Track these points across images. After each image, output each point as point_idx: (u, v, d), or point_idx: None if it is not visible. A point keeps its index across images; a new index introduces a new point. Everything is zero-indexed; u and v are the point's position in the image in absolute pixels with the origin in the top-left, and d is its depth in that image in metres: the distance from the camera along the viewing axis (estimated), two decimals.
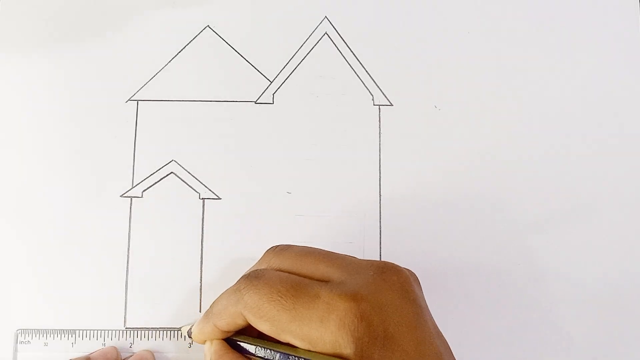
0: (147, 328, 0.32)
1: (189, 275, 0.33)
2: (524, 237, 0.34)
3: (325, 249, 0.27)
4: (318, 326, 0.23)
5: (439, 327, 0.25)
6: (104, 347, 0.32)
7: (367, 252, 0.33)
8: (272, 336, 0.24)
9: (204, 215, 0.34)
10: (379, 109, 0.36)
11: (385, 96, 0.36)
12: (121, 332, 0.32)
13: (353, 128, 0.35)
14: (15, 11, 0.36)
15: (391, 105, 0.36)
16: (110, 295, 0.33)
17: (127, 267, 0.33)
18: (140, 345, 0.32)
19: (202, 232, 0.34)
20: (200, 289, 0.33)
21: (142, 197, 0.34)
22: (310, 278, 0.25)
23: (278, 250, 0.28)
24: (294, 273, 0.25)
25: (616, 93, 0.36)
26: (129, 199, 0.34)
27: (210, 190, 0.34)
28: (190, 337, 0.29)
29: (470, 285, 0.33)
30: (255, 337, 0.26)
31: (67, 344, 0.32)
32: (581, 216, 0.34)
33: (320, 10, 0.37)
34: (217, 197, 0.34)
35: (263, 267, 0.27)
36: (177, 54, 0.36)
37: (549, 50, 0.36)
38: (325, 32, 0.36)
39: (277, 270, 0.26)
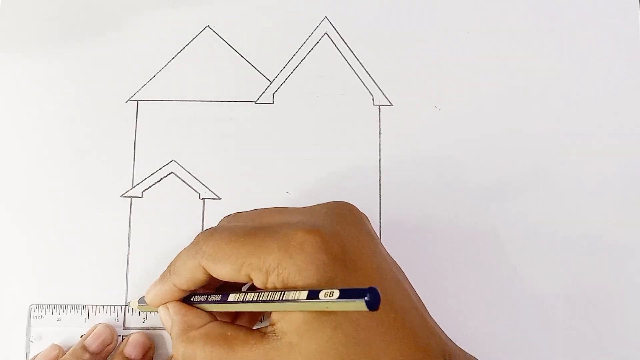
0: (146, 328, 0.32)
1: None
2: (526, 238, 0.34)
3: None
4: (277, 253, 0.23)
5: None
6: (97, 325, 0.32)
7: None
8: (232, 280, 0.25)
9: (204, 215, 0.34)
10: (379, 109, 0.36)
11: (385, 96, 0.36)
12: (134, 309, 0.32)
13: (353, 128, 0.35)
14: (16, 11, 0.36)
15: (391, 105, 0.36)
16: (110, 296, 0.33)
17: (127, 267, 0.33)
18: None
19: None
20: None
21: (142, 197, 0.34)
22: None
23: (232, 215, 0.29)
24: None
25: (616, 93, 0.36)
26: (129, 199, 0.34)
27: (210, 190, 0.34)
28: (139, 309, 0.29)
29: (471, 285, 0.33)
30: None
31: (80, 319, 0.32)
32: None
33: (320, 10, 0.37)
34: (217, 197, 0.34)
35: None
36: (177, 54, 0.36)
37: (549, 50, 0.36)
38: (325, 32, 0.36)
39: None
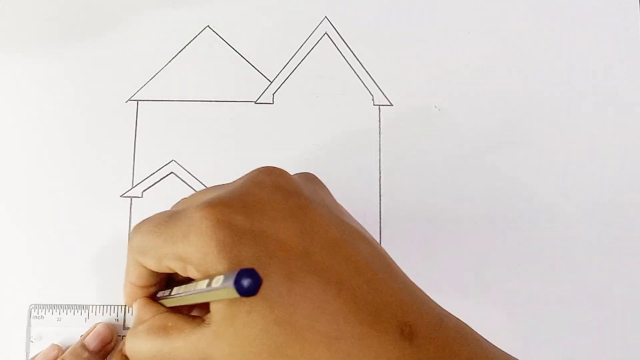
0: None
1: None
2: (526, 235, 0.34)
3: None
4: (182, 241, 0.22)
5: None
6: (96, 325, 0.31)
7: None
8: (158, 270, 0.24)
9: None
10: (379, 109, 0.36)
11: (385, 96, 0.36)
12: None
13: (353, 128, 0.35)
14: (16, 11, 0.36)
15: (391, 105, 0.36)
16: (110, 296, 0.33)
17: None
18: None
19: None
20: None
21: (142, 197, 0.34)
22: None
23: (177, 202, 0.28)
24: None
25: (616, 93, 0.36)
26: (129, 199, 0.34)
27: None
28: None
29: (471, 284, 0.33)
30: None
31: (80, 319, 0.32)
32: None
33: (320, 10, 0.37)
34: None
35: None
36: (177, 54, 0.36)
37: (549, 50, 0.36)
38: (325, 32, 0.36)
39: None
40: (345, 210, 0.25)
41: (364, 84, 0.36)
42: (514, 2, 0.37)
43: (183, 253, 0.22)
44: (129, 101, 0.35)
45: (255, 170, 0.24)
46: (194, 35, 0.36)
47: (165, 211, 0.25)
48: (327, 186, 0.26)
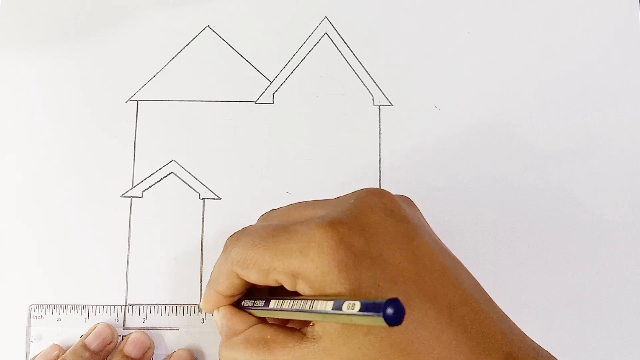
0: (145, 328, 0.32)
1: (189, 275, 0.33)
2: (527, 235, 0.34)
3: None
4: (299, 257, 0.22)
5: None
6: (97, 325, 0.32)
7: None
8: (263, 283, 0.24)
9: (204, 215, 0.34)
10: (379, 109, 0.36)
11: (385, 96, 0.36)
12: (134, 307, 0.32)
13: (353, 128, 0.35)
14: (16, 11, 0.36)
15: (391, 105, 0.36)
16: (110, 296, 0.33)
17: (127, 268, 0.33)
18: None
19: (202, 232, 0.34)
20: (200, 289, 0.33)
21: (142, 197, 0.34)
22: None
23: (266, 213, 0.28)
24: None
25: (616, 93, 0.36)
26: (129, 199, 0.34)
27: (210, 190, 0.34)
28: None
29: None
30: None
31: (80, 319, 0.32)
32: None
33: (320, 10, 0.37)
34: (217, 197, 0.34)
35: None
36: (177, 54, 0.36)
37: (549, 49, 0.36)
38: (325, 32, 0.36)
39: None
40: (439, 239, 0.26)
41: (364, 84, 0.36)
42: (514, 2, 0.37)
43: (298, 269, 0.22)
44: (129, 101, 0.35)
45: (363, 190, 0.25)
46: (194, 35, 0.36)
47: (268, 224, 0.25)
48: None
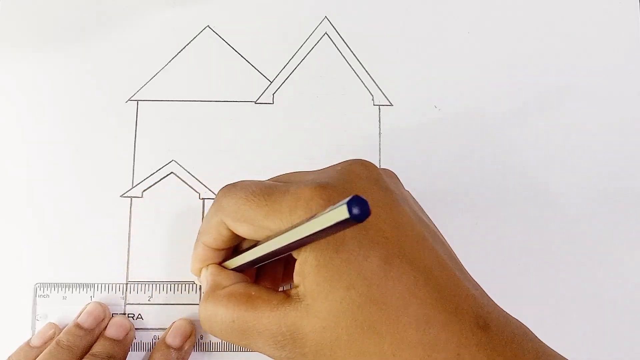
0: (146, 328, 0.32)
1: (189, 275, 0.33)
2: (527, 234, 0.34)
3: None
4: (288, 217, 0.23)
5: None
6: (87, 305, 0.32)
7: None
8: (251, 237, 0.25)
9: (204, 215, 0.34)
10: (379, 109, 0.36)
11: (385, 96, 0.36)
12: (140, 285, 0.33)
13: (353, 128, 0.35)
14: (16, 11, 0.36)
15: (391, 105, 0.36)
16: (110, 297, 0.33)
17: (127, 268, 0.33)
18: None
19: None
20: (201, 289, 0.33)
21: (142, 197, 0.34)
22: None
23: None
24: None
25: (616, 93, 0.36)
26: (129, 199, 0.34)
27: (210, 190, 0.34)
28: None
29: None
30: None
31: (85, 297, 0.32)
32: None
33: (320, 10, 0.37)
34: None
35: None
36: (177, 54, 0.36)
37: (549, 49, 0.36)
38: (325, 32, 0.36)
39: None
40: (422, 209, 0.27)
41: (364, 84, 0.36)
42: (514, 2, 0.37)
43: (286, 227, 0.22)
44: (129, 101, 0.35)
45: (349, 161, 0.26)
46: (194, 35, 0.36)
47: (261, 181, 0.25)
48: None
